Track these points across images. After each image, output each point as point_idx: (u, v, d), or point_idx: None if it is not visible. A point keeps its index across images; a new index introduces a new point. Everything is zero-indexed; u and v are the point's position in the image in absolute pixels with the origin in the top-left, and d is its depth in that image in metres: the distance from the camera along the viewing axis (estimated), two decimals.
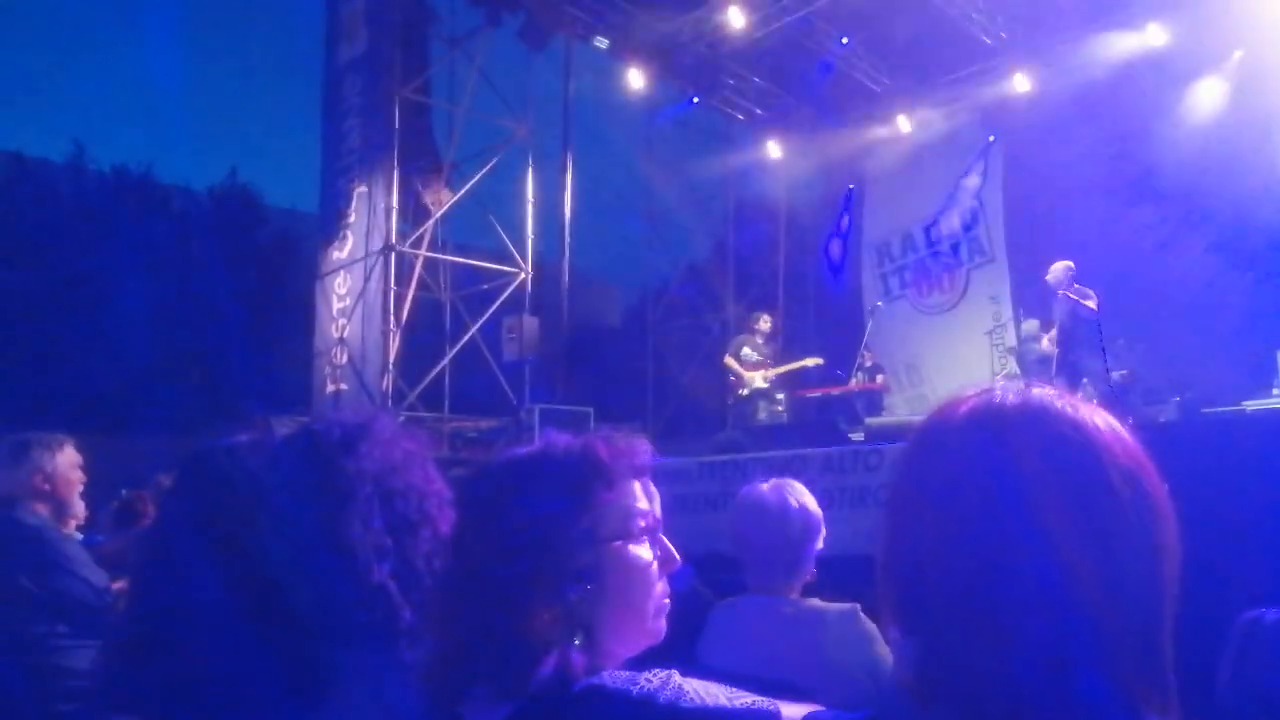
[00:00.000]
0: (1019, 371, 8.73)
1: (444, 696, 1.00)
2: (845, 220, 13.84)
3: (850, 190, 13.61)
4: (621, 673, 0.98)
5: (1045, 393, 0.81)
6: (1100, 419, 0.79)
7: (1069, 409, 0.78)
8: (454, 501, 1.20)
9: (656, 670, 0.98)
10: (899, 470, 0.84)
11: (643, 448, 1.08)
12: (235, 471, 1.50)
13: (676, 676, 0.96)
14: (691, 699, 0.93)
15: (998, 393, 0.81)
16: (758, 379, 8.68)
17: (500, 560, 0.99)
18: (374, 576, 1.17)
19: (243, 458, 1.52)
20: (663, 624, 1.10)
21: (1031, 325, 8.69)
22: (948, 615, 0.75)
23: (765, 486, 2.15)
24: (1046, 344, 8.00)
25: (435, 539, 1.24)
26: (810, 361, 9.23)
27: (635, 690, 0.94)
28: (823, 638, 1.94)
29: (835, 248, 13.90)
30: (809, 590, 2.14)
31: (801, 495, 2.15)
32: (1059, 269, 7.76)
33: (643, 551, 1.06)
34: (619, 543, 1.04)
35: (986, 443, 0.77)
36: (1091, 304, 7.49)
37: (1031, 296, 10.04)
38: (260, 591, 1.19)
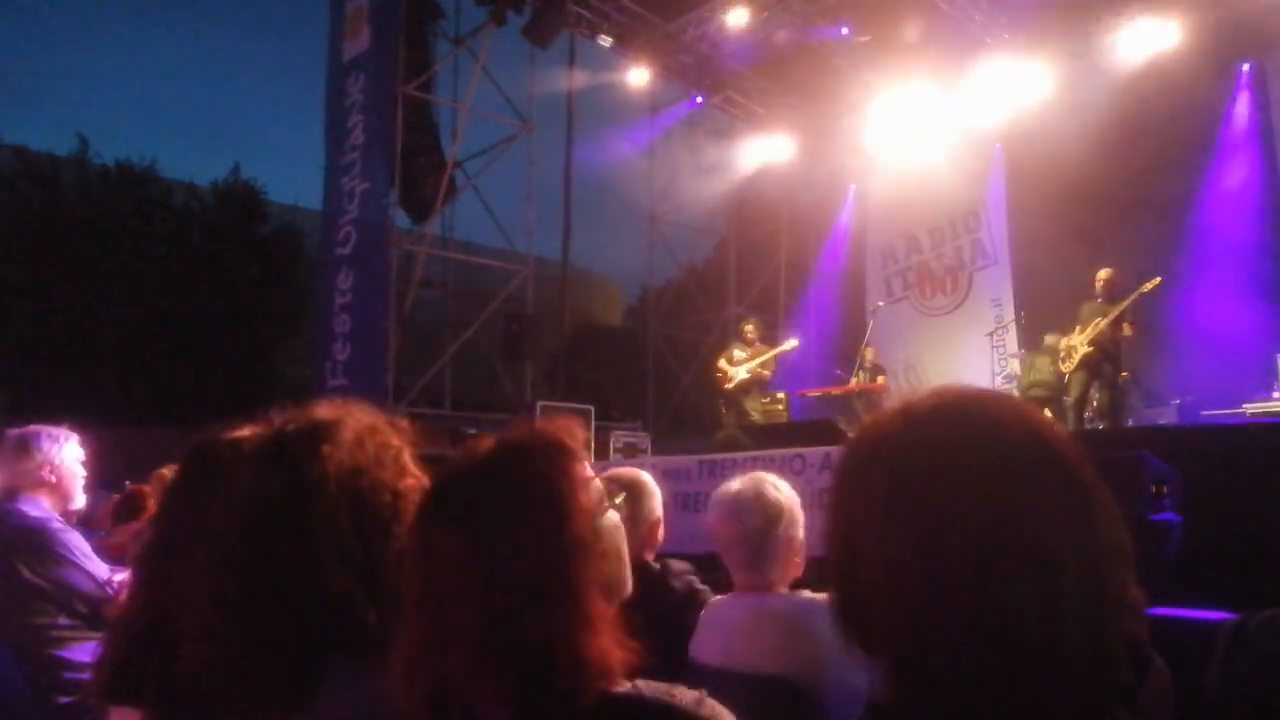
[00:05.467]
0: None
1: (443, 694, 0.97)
2: (844, 221, 13.86)
3: (852, 190, 13.62)
4: (656, 684, 0.96)
5: (962, 392, 0.80)
6: (1016, 411, 0.79)
7: (987, 406, 0.78)
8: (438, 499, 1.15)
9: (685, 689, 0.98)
10: (835, 489, 0.81)
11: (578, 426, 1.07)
12: (236, 467, 1.51)
13: (707, 696, 0.96)
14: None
15: (913, 399, 0.81)
16: (740, 370, 8.96)
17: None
18: (335, 586, 1.13)
19: (245, 453, 1.53)
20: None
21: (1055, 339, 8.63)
22: (911, 634, 0.72)
23: (735, 483, 2.12)
24: (1074, 336, 7.95)
25: None
26: (787, 345, 9.47)
27: (676, 704, 0.93)
28: (817, 629, 1.89)
29: (835, 248, 13.94)
30: (800, 588, 2.12)
31: (776, 487, 2.11)
32: (1108, 276, 7.77)
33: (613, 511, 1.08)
34: (603, 510, 1.06)
35: (900, 451, 0.77)
36: (1128, 331, 7.57)
37: (1037, 291, 10.06)
38: (247, 591, 1.17)
